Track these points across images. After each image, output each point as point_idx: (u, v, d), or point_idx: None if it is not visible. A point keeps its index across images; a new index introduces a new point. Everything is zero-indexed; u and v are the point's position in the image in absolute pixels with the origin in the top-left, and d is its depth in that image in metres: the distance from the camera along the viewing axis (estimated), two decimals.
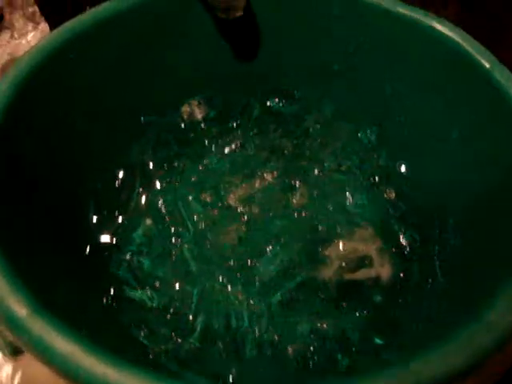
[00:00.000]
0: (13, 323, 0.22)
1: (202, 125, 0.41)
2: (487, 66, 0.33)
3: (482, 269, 0.31)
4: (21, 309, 0.22)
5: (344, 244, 0.37)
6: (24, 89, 0.31)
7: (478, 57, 0.33)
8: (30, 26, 0.37)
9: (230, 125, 0.42)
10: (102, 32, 0.35)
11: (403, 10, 0.36)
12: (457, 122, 0.35)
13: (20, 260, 0.25)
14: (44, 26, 0.38)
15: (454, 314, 0.32)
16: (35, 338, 0.22)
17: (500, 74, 0.32)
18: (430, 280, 0.35)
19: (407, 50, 0.36)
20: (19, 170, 0.30)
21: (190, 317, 0.34)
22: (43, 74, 0.32)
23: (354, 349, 0.33)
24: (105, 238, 0.36)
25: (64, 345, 0.21)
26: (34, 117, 0.32)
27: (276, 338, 0.33)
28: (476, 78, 0.33)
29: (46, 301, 0.24)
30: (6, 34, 0.37)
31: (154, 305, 0.35)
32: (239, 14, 0.35)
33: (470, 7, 0.52)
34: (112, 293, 0.34)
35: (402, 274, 0.35)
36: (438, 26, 0.34)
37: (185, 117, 0.40)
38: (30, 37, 0.37)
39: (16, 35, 0.37)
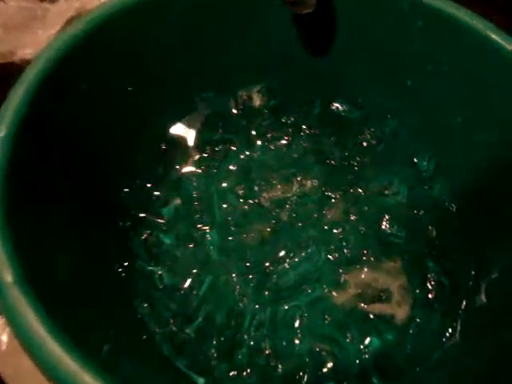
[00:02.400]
0: None
1: (256, 113, 0.40)
2: None
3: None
4: (6, 275, 0.23)
5: (367, 272, 0.35)
6: (80, 47, 0.30)
7: None
8: None
9: (284, 120, 0.40)
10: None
11: (497, 37, 0.32)
12: None
13: (22, 220, 0.25)
14: None
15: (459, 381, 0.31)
16: (8, 307, 0.22)
17: None
18: (448, 335, 0.33)
19: (493, 83, 0.33)
20: (61, 130, 0.30)
21: (195, 305, 0.34)
22: (104, 33, 0.31)
23: (347, 382, 0.32)
24: (132, 208, 0.36)
25: (31, 321, 0.21)
26: (84, 77, 0.31)
27: (271, 349, 0.32)
28: None
29: (42, 269, 0.25)
30: None
31: (164, 284, 0.34)
32: (308, 10, 0.33)
33: None
34: (126, 263, 0.34)
35: (418, 320, 0.33)
36: None
37: (240, 102, 0.39)
38: None
39: None
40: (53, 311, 0.22)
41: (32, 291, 0.22)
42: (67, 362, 0.20)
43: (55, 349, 0.21)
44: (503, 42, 0.32)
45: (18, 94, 0.27)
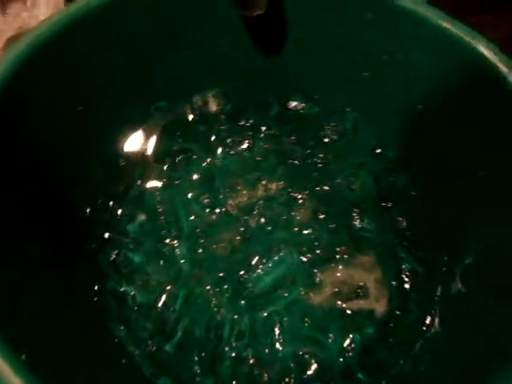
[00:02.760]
0: None
1: (213, 119, 0.39)
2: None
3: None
4: None
5: (341, 269, 0.35)
6: (30, 62, 0.29)
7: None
8: None
9: (242, 122, 0.40)
10: (120, 8, 0.33)
11: (448, 24, 0.32)
12: (485, 162, 0.32)
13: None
14: None
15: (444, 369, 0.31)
16: None
17: None
18: (427, 324, 0.33)
19: (447, 70, 0.33)
20: (15, 150, 0.29)
21: (172, 321, 0.33)
22: (53, 46, 0.30)
23: (333, 381, 0.32)
24: (97, 229, 0.35)
25: None
26: (35, 93, 0.30)
27: (254, 358, 0.32)
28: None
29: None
30: (18, 4, 0.35)
31: (138, 304, 0.34)
32: (260, 11, 0.32)
33: None
34: (96, 286, 0.33)
35: (397, 312, 0.33)
36: (485, 51, 0.31)
37: (196, 108, 0.39)
38: (43, 8, 0.36)
39: (29, 4, 0.35)
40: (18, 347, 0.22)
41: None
42: None
43: None
44: (452, 28, 0.31)
45: None
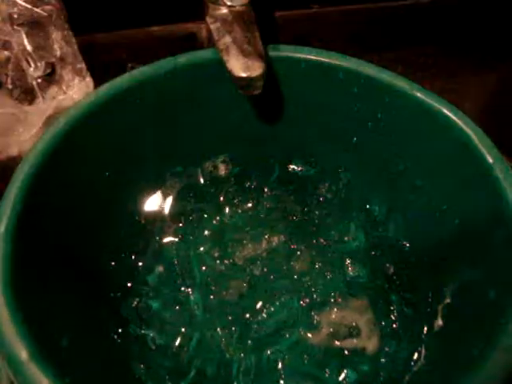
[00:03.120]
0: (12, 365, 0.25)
1: (222, 182, 0.44)
2: (490, 160, 0.34)
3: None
4: (21, 351, 0.26)
5: (336, 312, 0.39)
6: (62, 143, 0.34)
7: (484, 150, 0.34)
8: (77, 79, 0.41)
9: (247, 185, 0.45)
10: (137, 91, 0.38)
11: (420, 94, 0.37)
12: (458, 210, 0.37)
13: (29, 299, 0.29)
14: (89, 80, 0.42)
15: None
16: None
17: (500, 170, 0.34)
18: (415, 358, 0.36)
19: (420, 133, 0.38)
20: (52, 220, 0.34)
21: (186, 360, 0.37)
22: (81, 129, 0.35)
23: None
24: (120, 280, 0.39)
25: None
26: (67, 167, 0.35)
27: None
28: (478, 170, 0.35)
29: (49, 342, 0.28)
30: (54, 89, 0.41)
31: (156, 344, 0.38)
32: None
33: None
34: (120, 329, 0.37)
35: (387, 349, 0.37)
36: (452, 116, 0.36)
37: (207, 173, 0.44)
38: (76, 89, 0.41)
39: (64, 87, 0.41)
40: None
41: (47, 365, 0.26)
42: None
43: None
44: (422, 96, 0.37)
45: (13, 193, 0.31)
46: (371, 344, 0.38)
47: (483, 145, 0.34)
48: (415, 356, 0.36)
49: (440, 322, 0.36)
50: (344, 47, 0.52)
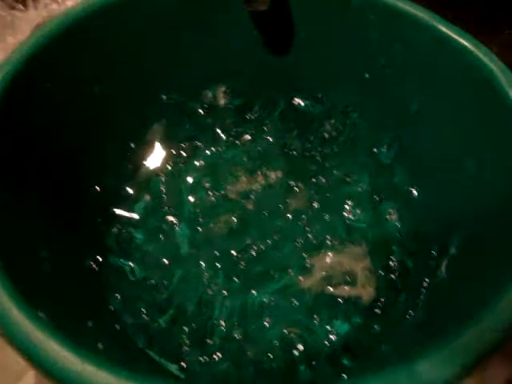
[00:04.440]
0: None
1: (221, 112, 0.41)
2: None
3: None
4: None
5: (331, 256, 0.36)
6: (46, 51, 0.31)
7: (507, 88, 0.31)
8: None
9: (248, 117, 0.42)
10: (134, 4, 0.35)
11: (444, 27, 0.34)
12: (474, 151, 0.33)
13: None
14: None
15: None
16: None
17: None
18: (411, 312, 0.34)
19: (438, 70, 0.34)
20: (30, 136, 0.31)
21: (166, 296, 0.35)
22: (70, 37, 0.33)
23: (317, 363, 0.33)
24: (104, 204, 0.37)
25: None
26: (59, 69, 0.33)
27: (242, 335, 0.33)
28: (501, 108, 0.32)
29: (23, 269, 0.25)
30: None
31: (135, 277, 0.35)
32: (262, 8, 0.34)
33: None
34: (99, 259, 0.35)
35: (383, 300, 0.35)
36: (475, 51, 0.33)
37: (205, 101, 0.41)
38: (72, 2, 0.38)
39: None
40: (34, 301, 0.23)
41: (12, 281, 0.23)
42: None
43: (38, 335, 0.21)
44: (449, 32, 0.33)
45: None
46: (366, 293, 0.35)
47: (507, 82, 0.31)
48: (412, 309, 0.34)
49: (444, 274, 0.34)
50: None
